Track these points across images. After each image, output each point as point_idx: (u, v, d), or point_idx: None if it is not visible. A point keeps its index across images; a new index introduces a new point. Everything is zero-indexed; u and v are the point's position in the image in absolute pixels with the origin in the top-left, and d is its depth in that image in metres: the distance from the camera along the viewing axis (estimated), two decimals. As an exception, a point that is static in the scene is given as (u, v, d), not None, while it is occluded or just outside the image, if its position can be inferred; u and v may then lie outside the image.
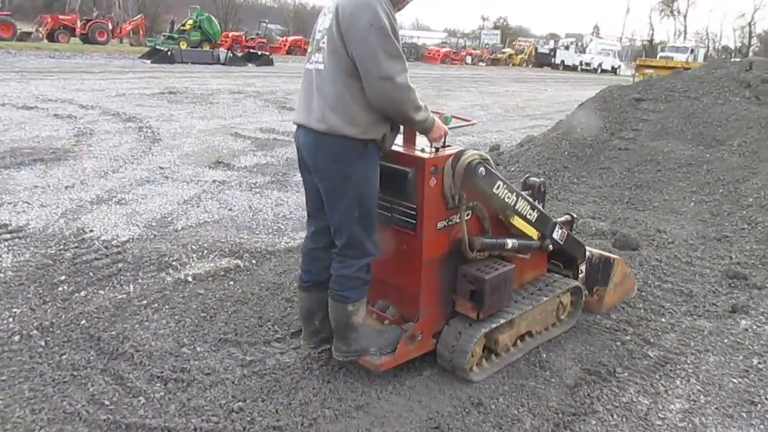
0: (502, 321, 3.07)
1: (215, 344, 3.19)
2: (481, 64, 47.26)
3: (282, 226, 5.13)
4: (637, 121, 7.01)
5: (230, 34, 34.54)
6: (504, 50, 53.75)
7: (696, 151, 6.29)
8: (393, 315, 3.11)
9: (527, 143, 7.53)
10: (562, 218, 3.69)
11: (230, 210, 5.47)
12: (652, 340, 3.55)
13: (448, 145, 2.91)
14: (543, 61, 50.83)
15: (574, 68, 48.89)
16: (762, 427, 2.84)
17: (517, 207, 3.12)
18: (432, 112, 3.07)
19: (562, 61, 50.06)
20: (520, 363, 3.22)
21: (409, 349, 2.93)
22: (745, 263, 4.68)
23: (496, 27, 66.35)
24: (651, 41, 65.13)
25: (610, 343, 3.50)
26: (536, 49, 53.05)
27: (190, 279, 3.93)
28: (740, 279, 4.42)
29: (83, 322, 3.30)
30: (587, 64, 50.16)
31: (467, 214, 2.96)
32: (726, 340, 3.61)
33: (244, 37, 35.08)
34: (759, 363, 3.37)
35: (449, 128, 2.89)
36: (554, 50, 51.53)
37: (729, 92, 6.84)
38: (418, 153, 2.82)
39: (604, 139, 6.93)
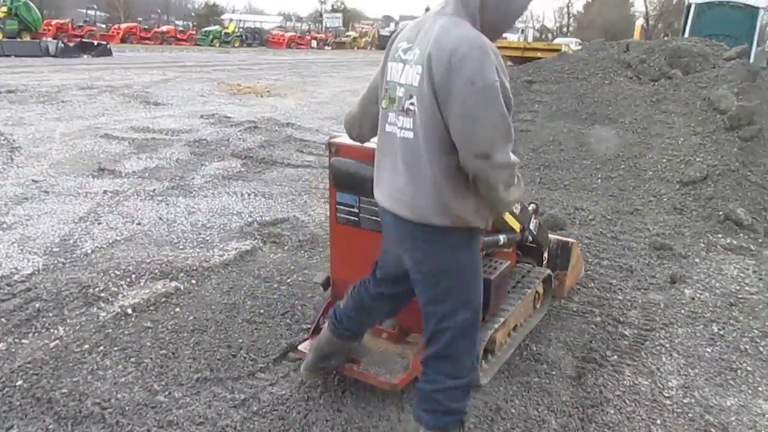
0: (501, 320, 2.97)
1: (193, 386, 2.77)
2: (326, 48, 47.10)
3: (206, 237, 4.64)
4: (532, 102, 7.26)
5: (53, 22, 31.24)
6: (348, 34, 53.99)
7: (593, 130, 6.62)
8: (391, 328, 2.89)
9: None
10: (530, 207, 3.66)
11: (139, 224, 4.87)
12: (621, 319, 3.65)
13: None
14: (385, 43, 51.56)
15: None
16: (750, 391, 3.00)
17: (519, 206, 3.03)
18: None
19: (404, 43, 51.24)
20: (516, 360, 3.15)
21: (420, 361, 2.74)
22: (663, 234, 4.99)
23: (335, 10, 66.26)
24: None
25: (585, 326, 3.54)
26: (378, 32, 53.76)
27: (129, 311, 3.41)
28: (666, 249, 4.70)
29: (20, 382, 2.72)
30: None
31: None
32: (683, 311, 3.79)
33: (70, 25, 31.94)
34: (719, 330, 3.57)
35: None
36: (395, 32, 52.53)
37: (613, 72, 7.29)
38: None
39: (504, 122, 7.08)
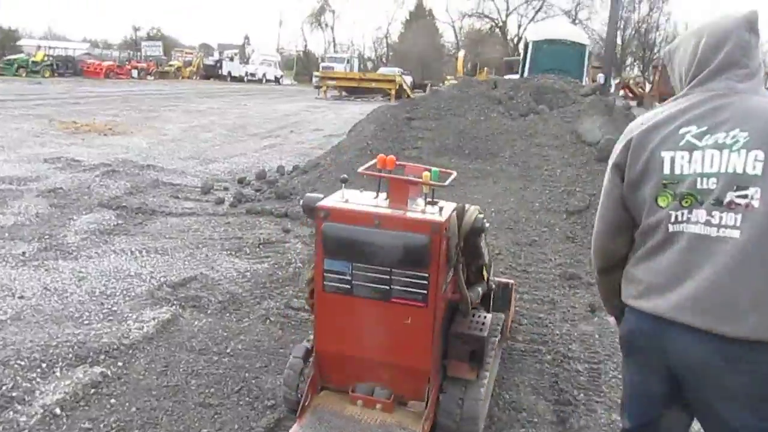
0: (487, 373, 2.94)
1: (176, 497, 2.38)
2: (149, 78, 44.60)
3: (112, 308, 4.08)
4: (415, 139, 7.41)
5: None
6: (171, 63, 51.71)
7: (478, 165, 6.91)
8: (385, 398, 2.72)
9: (312, 169, 7.37)
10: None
11: (22, 297, 4.16)
12: (568, 354, 3.79)
13: (434, 201, 2.68)
14: (210, 72, 50.05)
15: (240, 79, 49.27)
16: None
17: (487, 255, 3.02)
18: (411, 168, 2.81)
19: (229, 72, 49.97)
20: (495, 411, 3.13)
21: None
22: (565, 263, 5.31)
23: (151, 38, 63.04)
24: (305, 52, 70.01)
25: (540, 366, 3.63)
26: (202, 61, 52.17)
27: (57, 411, 2.87)
28: (575, 279, 5.00)
29: None
30: (252, 75, 51.13)
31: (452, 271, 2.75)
32: (616, 340, 4.02)
33: None
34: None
35: (443, 185, 2.67)
36: (220, 61, 51.20)
37: (487, 109, 7.69)
38: (427, 216, 2.51)
39: (392, 159, 7.15)
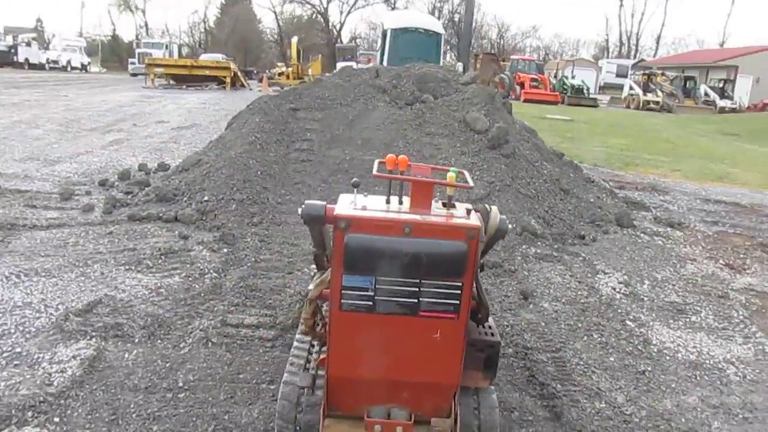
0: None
1: None
2: None
3: (14, 348, 3.35)
4: (303, 131, 7.07)
5: None
6: (-52, 49, 44.80)
7: (373, 156, 6.75)
8: (404, 419, 2.51)
9: (194, 166, 6.75)
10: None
11: None
12: (528, 345, 3.82)
13: (452, 203, 2.50)
14: (4, 59, 44.27)
15: (41, 67, 44.16)
16: (675, 386, 3.44)
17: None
18: (417, 168, 2.59)
19: (27, 60, 44.54)
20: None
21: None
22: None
23: None
24: (114, 36, 64.87)
25: (506, 360, 3.61)
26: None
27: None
28: (498, 267, 5.09)
29: None
30: (55, 62, 46.12)
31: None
32: (562, 326, 4.14)
33: None
34: (600, 337, 4.00)
35: (470, 185, 2.51)
36: (15, 47, 45.41)
37: (373, 98, 7.53)
38: (462, 221, 2.32)
39: (282, 153, 6.76)
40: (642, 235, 6.46)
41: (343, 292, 2.33)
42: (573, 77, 38.23)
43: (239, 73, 30.89)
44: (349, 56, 34.59)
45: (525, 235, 5.73)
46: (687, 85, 39.87)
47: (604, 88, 50.93)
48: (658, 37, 71.95)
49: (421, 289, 2.32)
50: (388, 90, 7.65)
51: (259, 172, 6.32)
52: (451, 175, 2.46)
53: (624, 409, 3.17)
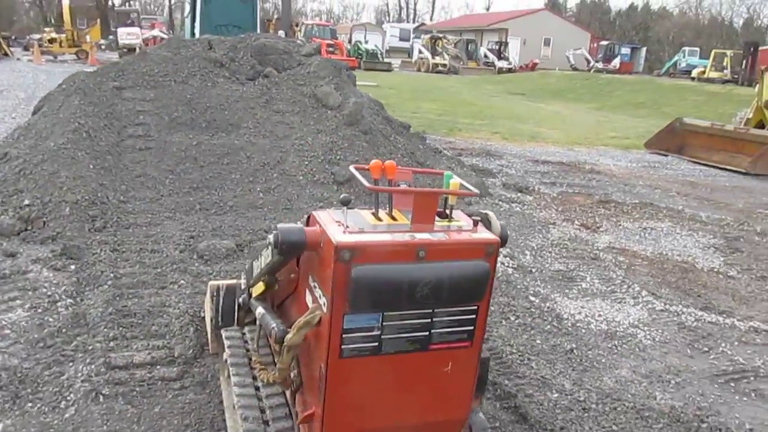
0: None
1: None
2: None
3: None
4: (135, 113, 6.08)
5: None
6: None
7: (223, 140, 6.07)
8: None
9: (-2, 163, 5.50)
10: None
11: None
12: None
13: (449, 213, 2.16)
14: None
15: None
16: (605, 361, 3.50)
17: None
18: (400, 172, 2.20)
19: None
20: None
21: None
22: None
23: None
24: None
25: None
26: None
27: None
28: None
29: None
30: None
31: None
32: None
33: None
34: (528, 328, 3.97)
35: (476, 192, 2.17)
36: None
37: (211, 73, 6.70)
38: (477, 236, 1.99)
39: (114, 140, 5.76)
40: (500, 202, 6.65)
41: (344, 336, 1.90)
42: (366, 42, 39.02)
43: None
44: (129, 21, 31.60)
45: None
46: (469, 48, 42.95)
47: (390, 51, 52.77)
48: (434, 1, 76.34)
49: (434, 319, 1.98)
50: (225, 64, 6.91)
51: (91, 166, 5.31)
52: (455, 183, 2.11)
53: (576, 396, 3.15)
